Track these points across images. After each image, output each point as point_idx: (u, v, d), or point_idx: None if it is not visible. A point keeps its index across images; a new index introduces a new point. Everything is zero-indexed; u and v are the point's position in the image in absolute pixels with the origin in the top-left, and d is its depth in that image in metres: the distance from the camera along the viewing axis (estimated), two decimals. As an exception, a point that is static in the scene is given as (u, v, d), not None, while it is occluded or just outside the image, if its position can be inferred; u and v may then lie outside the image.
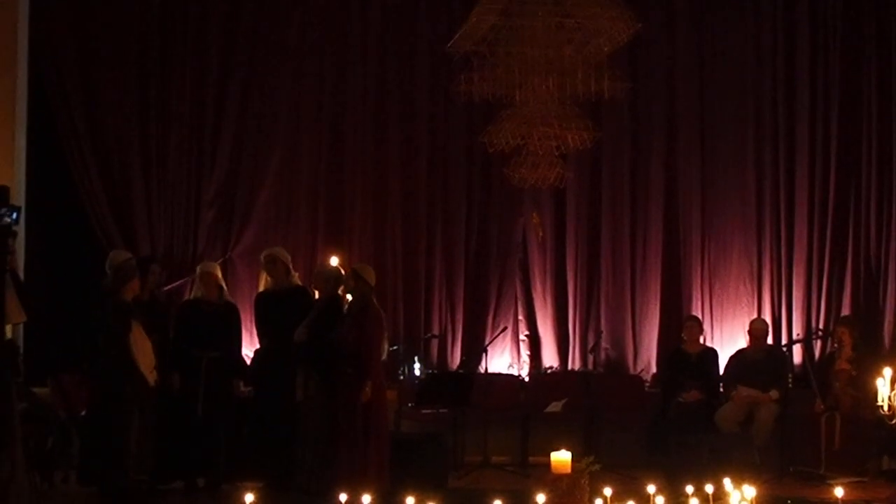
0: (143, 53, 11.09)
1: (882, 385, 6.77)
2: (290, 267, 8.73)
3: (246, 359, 9.30)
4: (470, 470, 9.27)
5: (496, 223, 11.43)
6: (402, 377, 10.60)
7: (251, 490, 5.71)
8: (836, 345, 9.76)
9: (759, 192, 11.26)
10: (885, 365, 7.06)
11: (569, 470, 6.55)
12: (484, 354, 10.16)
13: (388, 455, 8.07)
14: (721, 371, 9.99)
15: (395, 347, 10.36)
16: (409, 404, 9.84)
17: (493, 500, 5.89)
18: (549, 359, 11.24)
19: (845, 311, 10.92)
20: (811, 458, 9.18)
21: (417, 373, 10.72)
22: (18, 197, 9.69)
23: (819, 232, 11.17)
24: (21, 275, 7.62)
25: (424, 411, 9.77)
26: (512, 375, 11.01)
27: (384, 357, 8.49)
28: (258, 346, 9.06)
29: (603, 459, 7.38)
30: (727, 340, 10.91)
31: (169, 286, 10.50)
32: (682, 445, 8.86)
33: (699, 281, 11.24)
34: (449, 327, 11.28)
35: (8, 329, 7.26)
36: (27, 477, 7.19)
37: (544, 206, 11.30)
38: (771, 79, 11.31)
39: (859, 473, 8.91)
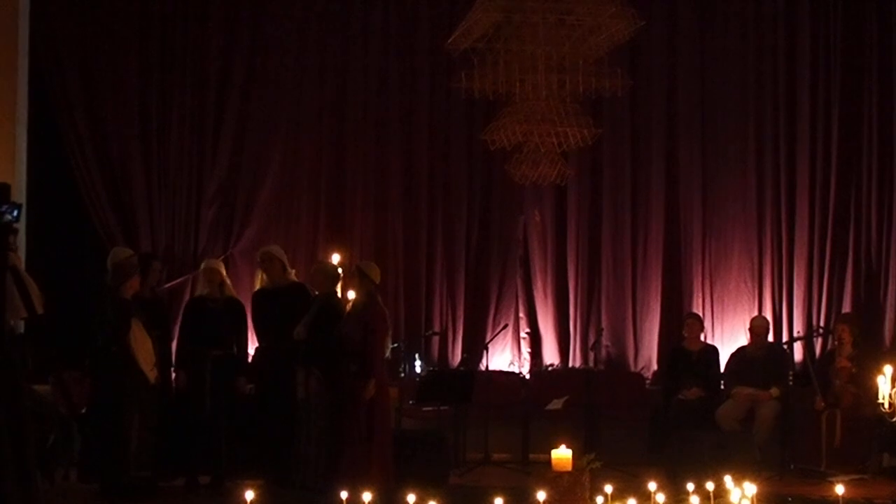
0: (143, 51, 11.11)
1: (882, 382, 6.78)
2: (287, 264, 8.71)
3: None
4: (471, 467, 9.26)
5: (497, 220, 11.44)
6: (403, 374, 10.61)
7: (252, 487, 5.72)
8: (836, 342, 9.76)
9: (760, 189, 11.27)
10: (886, 362, 7.08)
11: (569, 467, 6.57)
12: (485, 352, 10.18)
13: (391, 452, 8.08)
14: (722, 368, 9.98)
15: (396, 345, 10.37)
16: (410, 402, 9.84)
17: (493, 497, 5.89)
18: (550, 356, 11.25)
19: (846, 309, 10.94)
20: (812, 455, 9.18)
21: (418, 370, 10.73)
22: (19, 194, 9.70)
23: (820, 229, 11.18)
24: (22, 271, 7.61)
25: (425, 409, 9.77)
26: (513, 373, 11.03)
27: (387, 354, 8.49)
28: (258, 343, 9.05)
29: (604, 457, 7.41)
30: (728, 338, 10.92)
31: (170, 283, 10.51)
32: (683, 443, 8.86)
33: (700, 278, 11.24)
34: (450, 325, 11.28)
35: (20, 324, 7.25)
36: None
37: (545, 203, 11.31)
38: (772, 75, 11.32)
39: (860, 470, 8.91)
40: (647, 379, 11.05)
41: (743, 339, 10.47)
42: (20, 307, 6.70)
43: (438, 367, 10.98)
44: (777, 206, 11.24)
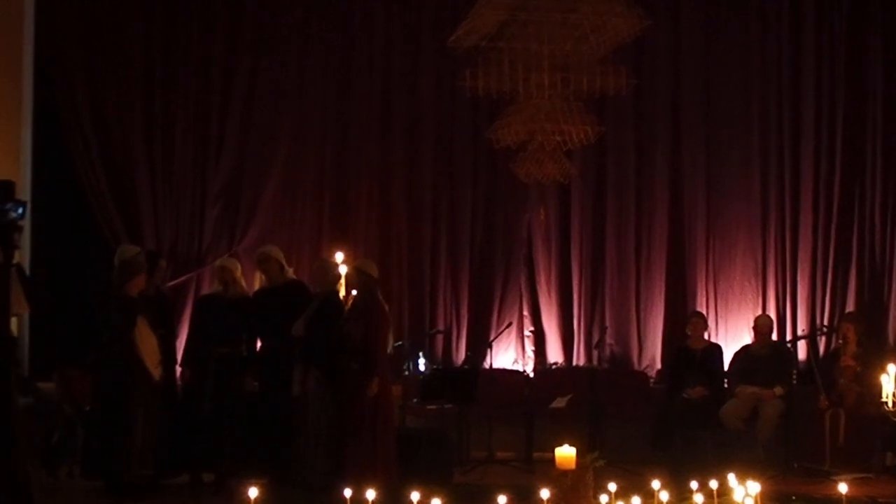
0: (147, 49, 11.12)
1: (886, 381, 6.78)
2: (284, 263, 8.74)
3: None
4: (475, 465, 9.27)
5: (501, 219, 11.43)
6: (406, 373, 10.61)
7: (255, 485, 5.72)
8: (840, 341, 9.75)
9: (764, 188, 11.26)
10: (890, 361, 7.08)
11: (573, 465, 6.56)
12: (489, 350, 10.18)
13: (394, 450, 8.08)
14: (725, 367, 9.99)
15: (399, 343, 10.36)
16: (414, 400, 9.85)
17: (497, 495, 5.88)
18: (554, 354, 11.25)
19: (850, 308, 10.93)
20: (815, 454, 9.17)
21: (422, 368, 10.72)
22: (24, 192, 9.71)
23: (824, 228, 11.17)
24: (27, 270, 7.64)
25: (429, 407, 9.78)
26: (517, 371, 11.03)
27: (389, 352, 8.50)
28: (261, 343, 9.06)
29: (607, 455, 7.42)
30: (732, 336, 10.91)
31: (174, 281, 10.52)
32: (687, 441, 8.86)
33: (704, 277, 11.23)
34: (454, 323, 11.28)
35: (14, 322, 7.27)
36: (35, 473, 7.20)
37: (549, 201, 11.30)
38: (776, 74, 11.31)
39: (864, 469, 8.90)
40: (651, 377, 11.04)
41: (747, 338, 10.47)
42: (22, 302, 6.74)
43: (442, 365, 10.98)
44: (781, 205, 11.23)
